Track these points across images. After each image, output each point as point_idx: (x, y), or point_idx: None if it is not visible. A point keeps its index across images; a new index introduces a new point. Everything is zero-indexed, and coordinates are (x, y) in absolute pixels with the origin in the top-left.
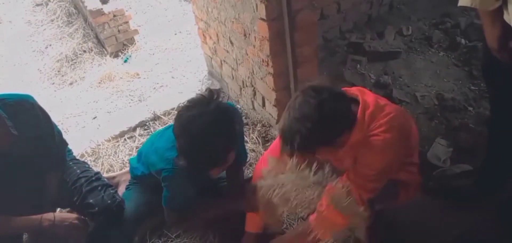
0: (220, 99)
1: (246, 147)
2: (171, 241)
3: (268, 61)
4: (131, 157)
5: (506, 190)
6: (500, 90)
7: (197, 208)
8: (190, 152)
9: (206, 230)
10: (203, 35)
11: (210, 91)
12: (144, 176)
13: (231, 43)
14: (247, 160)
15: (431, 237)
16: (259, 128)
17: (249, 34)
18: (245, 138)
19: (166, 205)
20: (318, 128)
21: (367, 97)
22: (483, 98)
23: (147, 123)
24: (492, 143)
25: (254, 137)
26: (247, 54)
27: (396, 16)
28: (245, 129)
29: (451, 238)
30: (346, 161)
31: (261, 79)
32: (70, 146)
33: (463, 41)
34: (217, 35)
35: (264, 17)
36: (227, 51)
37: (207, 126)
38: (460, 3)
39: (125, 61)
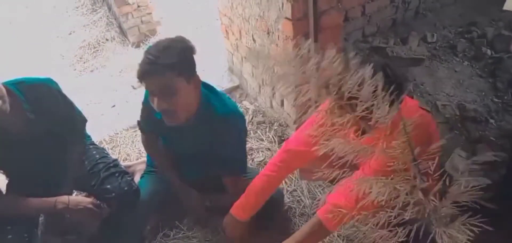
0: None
1: (262, 145)
2: (183, 233)
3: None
4: None
5: None
6: None
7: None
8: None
9: (218, 224)
10: (226, 30)
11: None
12: None
13: (254, 40)
14: (262, 158)
15: None
16: (275, 127)
17: (273, 33)
18: (262, 137)
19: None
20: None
21: None
22: (506, 111)
23: None
24: None
25: (271, 136)
26: (270, 53)
27: (421, 22)
28: (261, 128)
29: None
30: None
31: None
32: (89, 133)
33: (489, 51)
34: (240, 31)
35: (290, 16)
36: (249, 49)
37: (167, 42)
38: (505, 7)
39: None
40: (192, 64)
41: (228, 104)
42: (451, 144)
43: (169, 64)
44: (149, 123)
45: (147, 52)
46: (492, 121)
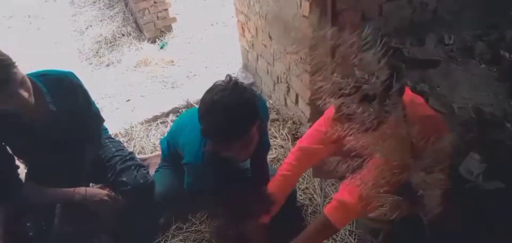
0: (240, 84)
1: (276, 143)
2: (196, 226)
3: (306, 59)
4: (161, 138)
5: None
6: None
7: (218, 193)
8: (213, 126)
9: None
10: (242, 28)
11: (229, 76)
12: (174, 155)
13: (270, 38)
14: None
15: None
16: (289, 125)
17: (290, 31)
18: (275, 134)
19: (187, 188)
20: None
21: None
22: None
23: (180, 110)
24: None
25: (284, 134)
26: (285, 51)
27: (439, 23)
28: (275, 125)
29: None
30: None
31: (297, 76)
32: (105, 125)
33: (507, 55)
34: (256, 29)
35: (307, 14)
36: (265, 46)
37: (228, 100)
38: None
39: (162, 48)
40: (258, 107)
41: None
42: (466, 147)
43: (251, 123)
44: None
45: (226, 113)
46: (508, 124)
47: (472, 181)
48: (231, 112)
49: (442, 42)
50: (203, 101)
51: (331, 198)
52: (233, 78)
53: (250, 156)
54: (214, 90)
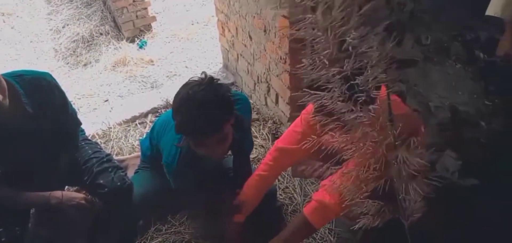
0: (215, 81)
1: (256, 142)
2: (175, 228)
3: (286, 58)
4: (141, 138)
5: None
6: None
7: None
8: (186, 120)
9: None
10: (222, 27)
11: (205, 73)
12: (156, 155)
13: (250, 37)
14: (251, 151)
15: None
16: (269, 125)
17: (270, 30)
18: (255, 134)
19: (175, 188)
20: None
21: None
22: (496, 114)
23: (159, 110)
24: (503, 159)
25: (264, 133)
26: (265, 50)
27: (417, 24)
28: (255, 125)
29: None
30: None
31: (277, 76)
32: (82, 126)
33: (481, 55)
34: (236, 28)
35: (287, 14)
36: (245, 46)
37: (202, 95)
38: (488, 12)
39: (141, 47)
40: (233, 103)
41: (238, 100)
42: (443, 145)
43: (225, 119)
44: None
45: (199, 107)
46: (483, 123)
47: (448, 178)
48: (204, 106)
49: (419, 42)
50: (177, 95)
51: (311, 198)
52: (209, 75)
53: (225, 153)
54: (188, 85)
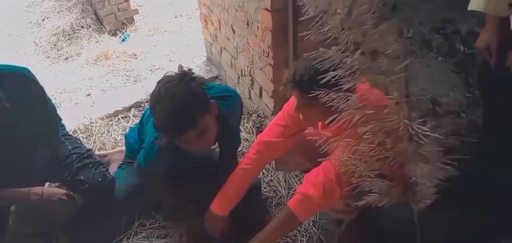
0: (192, 75)
1: (240, 136)
2: (159, 223)
3: (269, 52)
4: (127, 132)
5: (491, 196)
6: (494, 100)
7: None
8: (161, 117)
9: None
10: (205, 20)
11: (181, 66)
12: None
13: (233, 31)
14: (240, 149)
15: (414, 235)
16: (254, 118)
17: (252, 23)
18: (240, 128)
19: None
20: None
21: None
22: (476, 106)
23: (142, 105)
24: (482, 151)
25: (249, 127)
26: (248, 44)
27: (398, 17)
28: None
29: (433, 238)
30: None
31: (261, 69)
32: (62, 121)
33: (462, 48)
34: (219, 21)
35: (269, 7)
36: (228, 39)
37: (173, 91)
38: (470, 7)
39: (123, 40)
40: (207, 97)
41: (228, 96)
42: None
43: (200, 113)
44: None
45: (174, 108)
46: (463, 115)
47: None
48: (176, 103)
49: (401, 36)
50: (152, 94)
51: (296, 190)
52: (184, 69)
53: (210, 147)
54: (161, 82)
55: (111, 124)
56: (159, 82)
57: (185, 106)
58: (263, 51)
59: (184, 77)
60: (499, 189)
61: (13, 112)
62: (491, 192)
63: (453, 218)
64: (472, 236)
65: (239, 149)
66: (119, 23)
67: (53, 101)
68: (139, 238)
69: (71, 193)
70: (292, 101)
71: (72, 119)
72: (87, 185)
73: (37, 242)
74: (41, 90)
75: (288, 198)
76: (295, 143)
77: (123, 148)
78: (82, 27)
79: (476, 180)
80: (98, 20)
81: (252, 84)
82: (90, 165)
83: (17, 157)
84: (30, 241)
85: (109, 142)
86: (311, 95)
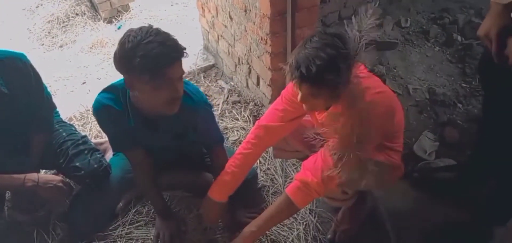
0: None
1: (237, 125)
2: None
3: (266, 39)
4: None
5: (488, 185)
6: (493, 89)
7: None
8: (151, 48)
9: (192, 204)
10: (202, 8)
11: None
12: None
13: (231, 18)
14: (237, 137)
15: (411, 224)
16: (251, 107)
17: (250, 11)
18: (237, 116)
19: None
20: (337, 58)
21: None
22: (473, 96)
23: None
24: (480, 141)
25: (246, 116)
26: (246, 31)
27: (396, 7)
28: (237, 107)
29: (430, 226)
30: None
31: (258, 57)
32: (57, 109)
33: (459, 38)
34: (216, 9)
35: None
36: (226, 26)
37: (152, 29)
38: None
39: (119, 28)
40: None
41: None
42: (420, 126)
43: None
44: (129, 139)
45: (163, 38)
46: (460, 105)
47: (425, 159)
48: (163, 34)
49: (399, 25)
50: (124, 45)
51: (293, 178)
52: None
53: (177, 109)
54: (132, 31)
55: None
56: (127, 35)
57: (172, 37)
58: (261, 39)
59: (149, 27)
60: (497, 178)
61: (10, 97)
62: (489, 181)
63: (451, 206)
64: (469, 224)
65: (236, 137)
66: (115, 10)
67: (49, 89)
68: (136, 226)
69: (67, 180)
70: (291, 86)
71: (68, 106)
72: (82, 172)
73: (33, 229)
74: (37, 76)
75: (285, 186)
76: (294, 128)
77: None
78: (77, 14)
79: (474, 169)
80: (93, 7)
81: (250, 72)
82: (86, 152)
83: (13, 143)
84: (25, 229)
85: None
86: (320, 86)
